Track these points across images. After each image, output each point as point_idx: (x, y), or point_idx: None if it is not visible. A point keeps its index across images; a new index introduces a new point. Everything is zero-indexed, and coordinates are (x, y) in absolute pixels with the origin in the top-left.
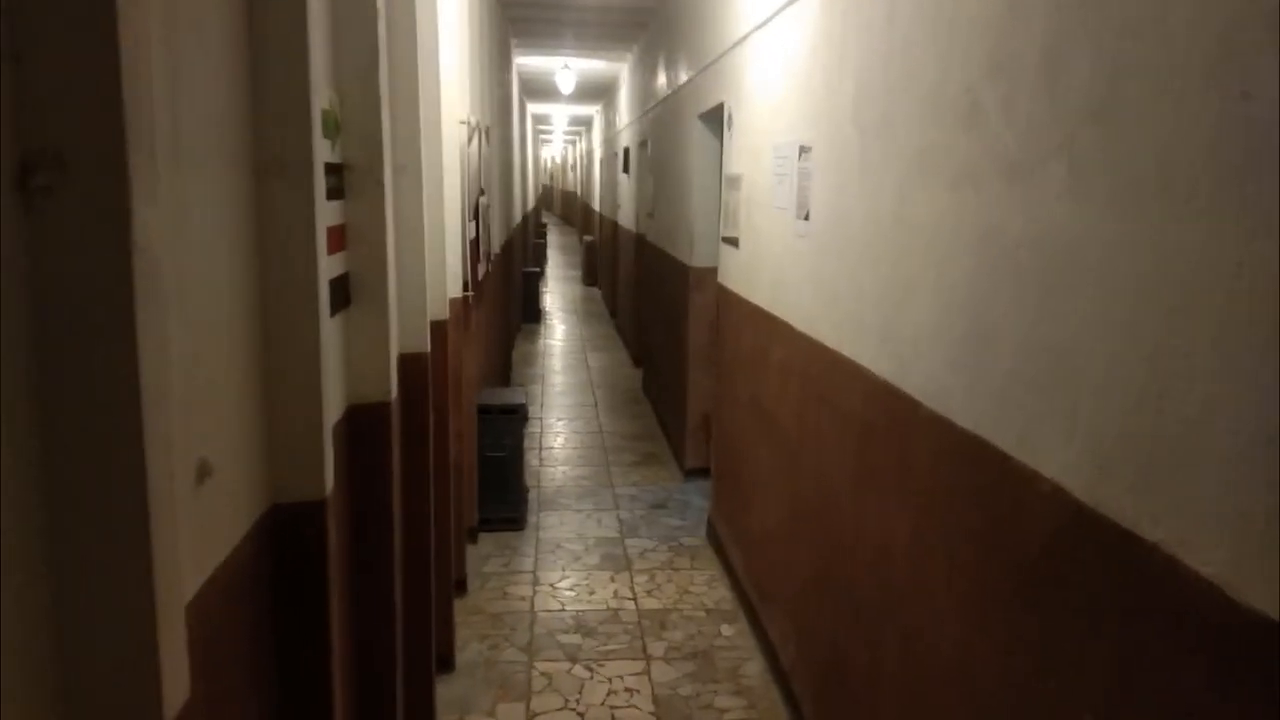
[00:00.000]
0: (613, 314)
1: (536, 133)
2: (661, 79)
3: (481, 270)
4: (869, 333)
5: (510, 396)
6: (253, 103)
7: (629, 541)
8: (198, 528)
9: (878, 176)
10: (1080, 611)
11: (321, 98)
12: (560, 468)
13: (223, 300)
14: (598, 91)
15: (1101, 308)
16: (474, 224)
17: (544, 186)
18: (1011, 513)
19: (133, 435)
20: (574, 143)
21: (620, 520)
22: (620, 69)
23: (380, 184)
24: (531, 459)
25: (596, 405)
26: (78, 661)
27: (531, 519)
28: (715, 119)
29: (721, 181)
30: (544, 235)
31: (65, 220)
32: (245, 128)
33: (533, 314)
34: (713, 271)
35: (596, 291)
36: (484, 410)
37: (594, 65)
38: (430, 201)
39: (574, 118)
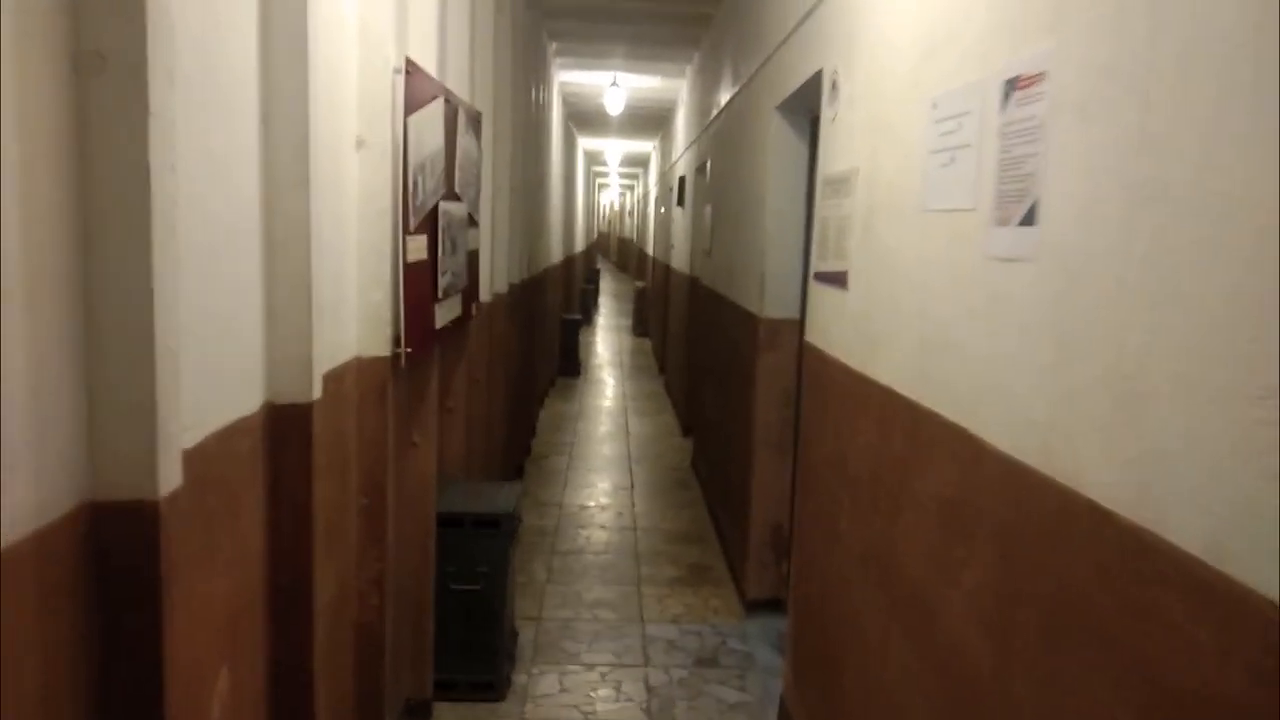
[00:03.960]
0: (661, 369)
1: (592, 174)
2: (727, 81)
3: (442, 314)
4: None
5: (491, 499)
6: None
7: None
8: None
9: None
10: None
11: None
12: (575, 586)
13: None
14: (654, 122)
15: None
16: (423, 239)
17: (600, 233)
18: None
19: None
20: (631, 189)
21: (649, 687)
22: (678, 88)
23: None
24: (537, 570)
25: (633, 487)
26: None
27: (520, 678)
28: (803, 104)
29: (814, 192)
30: (595, 280)
31: None
32: None
33: (571, 367)
34: (792, 325)
35: (647, 343)
36: (450, 521)
37: (648, 84)
38: (247, 161)
39: (628, 156)
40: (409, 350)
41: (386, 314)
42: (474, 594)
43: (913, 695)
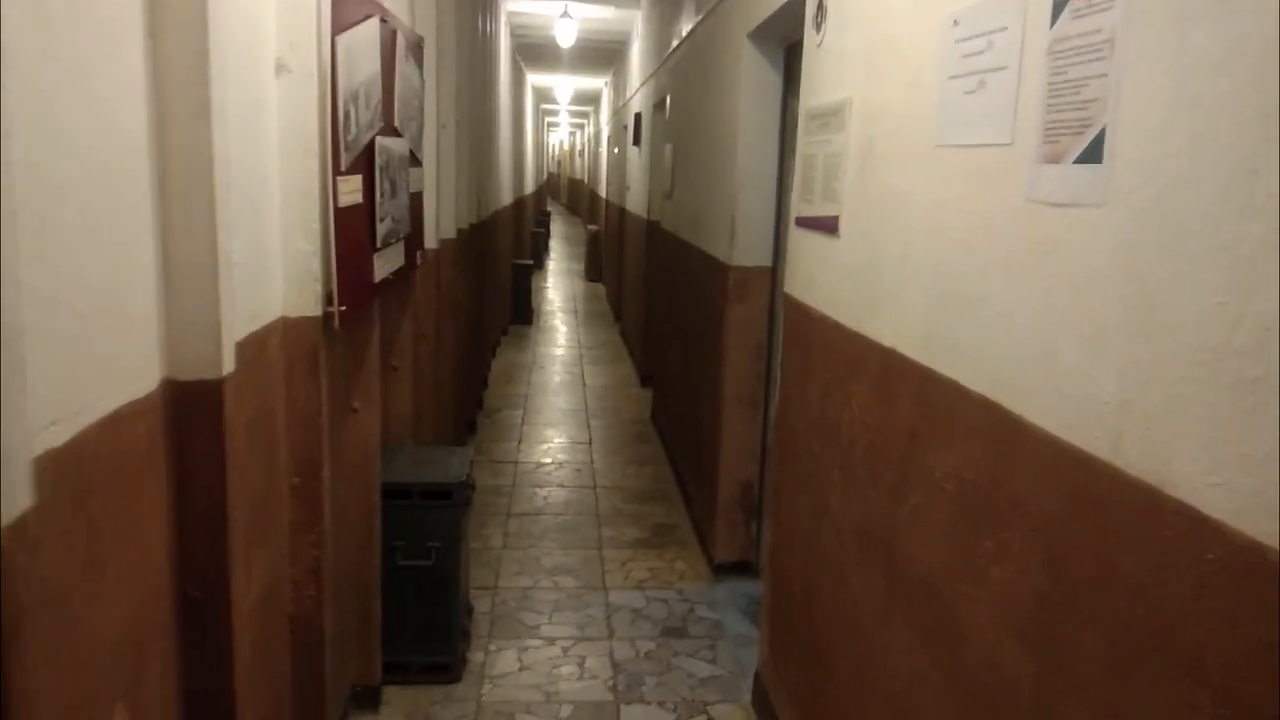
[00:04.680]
0: (617, 316)
1: (541, 112)
2: (689, 10)
3: (382, 265)
4: None
5: (442, 467)
6: None
7: (628, 711)
8: None
9: None
10: None
11: None
12: (533, 551)
13: None
14: (606, 56)
15: None
16: (358, 180)
17: (550, 174)
18: None
19: None
20: (581, 128)
21: (615, 662)
22: (633, 19)
23: None
24: (493, 535)
25: (591, 442)
26: None
27: (476, 656)
28: (779, 31)
29: (788, 129)
30: (546, 224)
31: None
32: None
33: (524, 314)
34: (764, 273)
35: (600, 288)
36: (397, 493)
37: (601, 14)
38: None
39: (579, 93)
40: (343, 308)
41: (316, 267)
42: (425, 570)
43: (922, 695)
